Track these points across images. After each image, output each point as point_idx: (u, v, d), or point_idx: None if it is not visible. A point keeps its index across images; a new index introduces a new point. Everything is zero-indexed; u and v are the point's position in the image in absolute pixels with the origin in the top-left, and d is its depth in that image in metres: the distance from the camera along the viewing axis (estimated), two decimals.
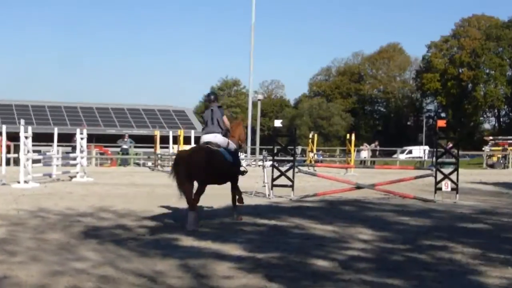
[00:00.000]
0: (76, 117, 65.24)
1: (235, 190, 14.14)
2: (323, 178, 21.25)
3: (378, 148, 63.11)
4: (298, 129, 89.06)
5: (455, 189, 18.85)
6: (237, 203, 13.98)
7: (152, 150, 44.17)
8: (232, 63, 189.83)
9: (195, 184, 13.33)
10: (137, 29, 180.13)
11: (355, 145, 43.52)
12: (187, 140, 34.02)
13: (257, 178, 22.70)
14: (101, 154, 49.12)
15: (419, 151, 74.28)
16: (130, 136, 48.81)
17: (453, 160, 20.44)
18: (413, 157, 73.21)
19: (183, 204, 16.22)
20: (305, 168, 21.86)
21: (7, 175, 22.80)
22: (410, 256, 9.33)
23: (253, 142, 62.46)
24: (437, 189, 18.94)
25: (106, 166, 45.41)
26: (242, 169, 14.91)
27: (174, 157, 14.70)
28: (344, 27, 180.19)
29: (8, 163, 30.35)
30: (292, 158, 19.96)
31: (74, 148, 30.29)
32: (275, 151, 20.46)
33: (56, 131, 27.33)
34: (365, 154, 56.67)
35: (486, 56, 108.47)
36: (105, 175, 29.50)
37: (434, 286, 7.39)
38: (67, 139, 44.90)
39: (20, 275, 7.70)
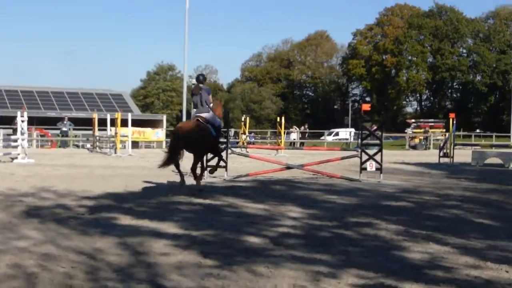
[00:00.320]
0: (16, 100, 64.33)
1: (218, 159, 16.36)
2: (255, 159, 21.29)
3: (307, 130, 63.52)
4: (231, 112, 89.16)
5: (379, 169, 19.05)
6: (207, 169, 16.36)
7: (90, 132, 43.78)
8: (167, 49, 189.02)
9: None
10: (74, 14, 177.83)
11: (285, 128, 43.71)
12: (124, 123, 33.79)
13: (191, 159, 22.63)
14: (42, 136, 48.51)
15: (346, 133, 74.91)
16: (70, 119, 48.30)
17: (377, 141, 20.63)
18: (340, 139, 73.72)
19: (120, 183, 16.18)
20: (238, 150, 21.86)
21: None
22: (337, 233, 9.40)
23: None
24: (362, 169, 19.11)
25: (47, 148, 44.90)
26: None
27: (174, 130, 16.28)
28: (274, 15, 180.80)
29: None
30: (225, 140, 19.94)
31: (15, 131, 29.84)
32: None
33: None
34: (294, 136, 57.09)
35: (408, 43, 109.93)
36: (46, 157, 29.11)
37: (360, 261, 7.46)
38: (8, 121, 44.27)
39: None
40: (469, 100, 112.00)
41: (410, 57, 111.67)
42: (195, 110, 15.75)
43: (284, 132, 42.80)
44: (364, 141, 20.70)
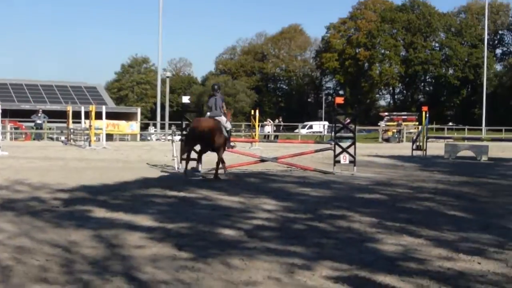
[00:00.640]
0: None
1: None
2: (230, 151, 21.28)
3: (281, 123, 63.50)
4: (206, 105, 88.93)
5: (353, 162, 19.13)
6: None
7: (65, 125, 43.51)
8: (141, 41, 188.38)
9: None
10: (47, 5, 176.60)
11: (259, 121, 43.66)
12: (98, 115, 33.65)
13: (166, 152, 22.65)
14: (16, 128, 48.11)
15: (319, 126, 74.97)
16: (44, 111, 47.96)
17: (350, 134, 20.69)
18: (314, 132, 73.79)
19: (95, 176, 16.11)
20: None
21: None
22: (311, 225, 9.42)
23: (162, 118, 62.14)
24: (336, 162, 19.17)
25: (21, 140, 44.51)
26: (232, 144, 19.12)
27: (192, 126, 17.63)
28: (249, 8, 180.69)
29: None
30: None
31: None
32: (184, 126, 20.37)
33: None
34: (268, 129, 57.04)
35: (381, 37, 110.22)
36: (20, 149, 28.91)
37: (334, 253, 7.48)
38: None
39: None
40: (441, 94, 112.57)
41: (383, 51, 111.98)
42: (209, 113, 17.52)
43: (258, 125, 42.79)
44: (338, 134, 20.78)
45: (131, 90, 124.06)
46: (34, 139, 43.97)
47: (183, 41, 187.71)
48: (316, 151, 20.68)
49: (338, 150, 19.25)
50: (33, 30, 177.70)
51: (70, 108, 41.05)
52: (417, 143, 30.14)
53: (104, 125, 35.13)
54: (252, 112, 41.51)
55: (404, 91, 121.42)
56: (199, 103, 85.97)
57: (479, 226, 9.52)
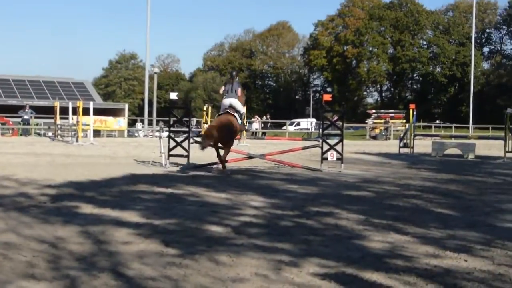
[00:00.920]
0: None
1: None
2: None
3: (268, 120, 63.57)
4: (193, 101, 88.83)
5: (340, 159, 19.15)
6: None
7: (52, 120, 43.43)
8: (129, 37, 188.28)
9: None
10: (36, 1, 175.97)
11: (247, 118, 43.68)
12: (86, 111, 33.60)
13: (154, 148, 22.62)
14: (3, 124, 47.94)
15: (307, 123, 75.02)
16: (31, 107, 47.89)
17: (338, 132, 20.71)
18: (301, 129, 73.90)
19: (82, 172, 16.08)
20: (200, 139, 21.82)
21: None
22: (299, 222, 9.42)
23: (150, 114, 62.09)
24: (323, 159, 19.19)
25: (8, 136, 44.38)
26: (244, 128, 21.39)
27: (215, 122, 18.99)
28: (237, 5, 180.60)
29: None
30: (187, 129, 19.90)
31: None
32: (171, 122, 20.37)
33: None
34: (256, 125, 57.08)
35: (369, 34, 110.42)
36: (7, 145, 28.85)
37: (321, 250, 7.48)
38: None
39: None
40: (429, 91, 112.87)
41: (371, 48, 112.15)
42: (225, 96, 18.69)
43: (246, 122, 42.79)
44: (325, 131, 20.79)
45: (118, 86, 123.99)
46: (21, 135, 43.89)
47: (171, 37, 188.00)
48: (304, 148, 20.72)
49: (325, 147, 19.26)
50: (20, 25, 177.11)
51: (57, 104, 40.99)
52: (404, 141, 30.22)
53: (92, 121, 35.12)
54: None
55: (392, 89, 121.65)
56: (186, 99, 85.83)
57: (466, 223, 9.55)
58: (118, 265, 6.59)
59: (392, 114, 66.83)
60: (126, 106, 68.86)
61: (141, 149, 27.79)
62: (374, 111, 75.25)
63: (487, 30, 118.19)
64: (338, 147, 19.24)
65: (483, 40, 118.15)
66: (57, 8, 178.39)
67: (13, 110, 50.03)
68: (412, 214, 10.35)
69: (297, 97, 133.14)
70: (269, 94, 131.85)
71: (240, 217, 9.75)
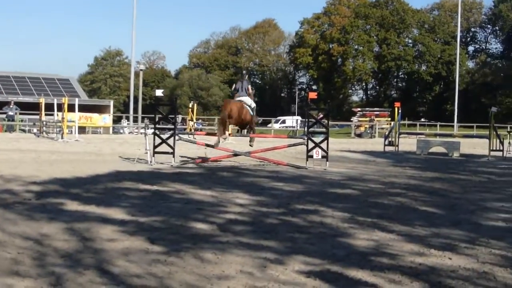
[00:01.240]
0: None
1: (252, 131, 21.73)
2: (203, 145, 21.27)
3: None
4: (179, 98, 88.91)
5: (325, 157, 19.17)
6: (250, 139, 21.60)
7: (37, 117, 43.30)
8: (115, 34, 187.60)
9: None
10: None
11: None
12: (71, 108, 33.50)
13: (139, 145, 22.57)
14: None
15: (292, 121, 75.00)
16: (16, 103, 47.65)
17: (323, 129, 20.76)
18: (287, 127, 73.96)
19: (67, 169, 16.03)
20: (185, 136, 21.79)
21: None
22: (284, 219, 9.43)
23: (135, 111, 62.00)
24: (309, 156, 19.21)
25: None
26: (256, 119, 22.96)
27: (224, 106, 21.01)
28: (223, 2, 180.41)
29: None
30: (173, 126, 19.88)
31: None
32: (157, 119, 20.32)
33: None
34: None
35: (355, 33, 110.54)
36: None
37: (306, 247, 7.49)
38: None
39: None
40: (414, 90, 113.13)
41: (356, 47, 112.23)
42: (236, 93, 20.72)
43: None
44: (311, 129, 20.83)
45: (104, 83, 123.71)
46: (6, 131, 43.67)
47: (156, 34, 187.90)
48: (289, 145, 20.74)
49: (311, 145, 19.29)
50: (5, 21, 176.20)
51: (42, 100, 40.86)
52: (389, 139, 30.29)
53: (77, 117, 35.02)
54: None
55: (377, 87, 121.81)
56: (172, 96, 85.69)
57: (450, 221, 9.58)
58: (103, 262, 6.58)
59: (377, 112, 67.05)
60: (112, 103, 68.75)
61: (126, 146, 27.73)
62: (359, 109, 75.31)
63: (472, 29, 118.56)
64: (323, 145, 19.27)
65: (468, 39, 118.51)
66: (42, 4, 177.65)
67: None
68: (397, 212, 10.38)
69: (282, 94, 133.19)
70: (255, 91, 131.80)
71: (226, 214, 9.75)
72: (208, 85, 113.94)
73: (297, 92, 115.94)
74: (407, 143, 32.52)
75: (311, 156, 19.19)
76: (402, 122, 41.57)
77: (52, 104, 37.16)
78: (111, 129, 51.19)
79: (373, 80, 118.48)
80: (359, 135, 56.17)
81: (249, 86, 21.13)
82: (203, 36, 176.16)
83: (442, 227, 9.08)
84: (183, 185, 13.54)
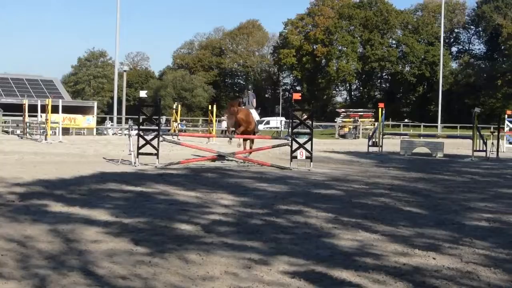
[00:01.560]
0: None
1: (251, 142, 22.51)
2: (187, 146, 21.27)
3: None
4: (163, 99, 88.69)
5: (309, 158, 19.22)
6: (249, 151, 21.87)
7: (20, 118, 43.12)
8: (99, 35, 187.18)
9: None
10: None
11: (217, 116, 43.64)
12: (55, 109, 33.41)
13: (123, 146, 22.52)
14: None
15: (276, 122, 74.98)
16: None
17: (307, 130, 20.79)
18: (271, 128, 73.90)
19: (51, 170, 15.97)
20: (169, 137, 21.78)
21: None
22: (268, 220, 9.44)
23: (119, 112, 61.84)
24: (293, 157, 19.25)
25: None
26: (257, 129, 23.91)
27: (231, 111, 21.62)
28: (207, 3, 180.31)
29: None
30: (157, 128, 19.86)
31: None
32: (141, 120, 20.31)
33: None
34: (226, 124, 56.97)
35: (338, 33, 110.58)
36: None
37: (290, 248, 7.51)
38: None
39: None
40: (398, 90, 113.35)
41: (340, 47, 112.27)
42: (243, 106, 22.17)
43: (216, 120, 42.78)
44: (295, 130, 20.86)
45: (88, 84, 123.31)
46: None
47: (140, 35, 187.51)
48: (273, 146, 20.77)
49: (295, 145, 19.33)
50: None
51: (26, 102, 40.70)
52: (373, 140, 30.37)
53: (61, 119, 34.91)
54: (210, 107, 41.50)
55: (361, 88, 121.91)
56: (156, 97, 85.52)
57: (434, 222, 9.63)
58: (87, 263, 6.57)
59: (361, 113, 67.06)
60: (95, 104, 68.64)
61: (110, 147, 27.68)
62: (343, 110, 75.32)
63: (456, 30, 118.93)
64: (308, 146, 19.30)
65: (452, 40, 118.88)
66: (26, 4, 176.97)
67: None
68: (381, 213, 10.41)
69: (266, 95, 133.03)
70: (238, 92, 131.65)
71: (210, 215, 9.75)
72: (192, 86, 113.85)
73: (281, 93, 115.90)
74: (391, 144, 32.65)
75: (295, 157, 19.23)
76: (386, 122, 41.75)
77: (36, 105, 37.04)
78: (95, 130, 51.10)
79: (357, 81, 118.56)
80: (343, 136, 56.25)
81: (254, 100, 23.03)
82: (187, 37, 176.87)
83: (426, 227, 9.12)
84: (167, 186, 13.54)
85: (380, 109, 31.08)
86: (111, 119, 63.15)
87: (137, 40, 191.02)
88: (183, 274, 6.31)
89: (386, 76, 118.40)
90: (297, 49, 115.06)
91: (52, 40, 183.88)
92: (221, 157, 20.67)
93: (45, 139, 31.35)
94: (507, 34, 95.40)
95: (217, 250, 7.27)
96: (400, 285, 6.09)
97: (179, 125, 48.24)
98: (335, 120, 65.96)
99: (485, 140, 26.50)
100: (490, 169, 21.20)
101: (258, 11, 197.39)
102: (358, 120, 61.03)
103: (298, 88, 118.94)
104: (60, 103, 34.72)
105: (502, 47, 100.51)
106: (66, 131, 41.84)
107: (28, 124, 38.99)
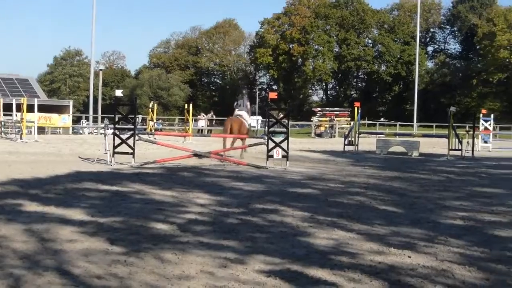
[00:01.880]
0: None
1: (243, 142, 22.83)
2: (163, 145, 21.21)
3: (214, 117, 63.48)
4: (139, 98, 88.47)
5: (286, 157, 19.23)
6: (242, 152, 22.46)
7: None
8: (74, 34, 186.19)
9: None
10: None
11: (193, 115, 43.58)
12: (30, 108, 33.23)
13: (99, 145, 22.43)
14: None
15: (253, 121, 75.06)
16: None
17: (283, 129, 20.82)
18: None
19: (26, 169, 15.88)
20: (145, 136, 21.74)
21: None
22: (244, 219, 9.45)
23: (95, 111, 61.64)
24: (269, 156, 19.26)
25: None
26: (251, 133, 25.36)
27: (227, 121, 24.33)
28: (182, 1, 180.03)
29: None
30: (132, 127, 19.81)
31: None
32: (116, 119, 20.23)
33: None
34: (202, 123, 56.98)
35: (315, 33, 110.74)
36: None
37: (266, 247, 7.52)
38: None
39: None
40: (374, 90, 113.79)
41: (316, 47, 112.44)
42: (237, 109, 24.24)
43: (192, 119, 42.71)
44: (271, 129, 20.88)
45: (63, 83, 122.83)
46: None
47: (116, 34, 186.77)
48: (250, 145, 20.77)
49: (271, 144, 19.34)
50: None
51: (1, 100, 40.42)
52: (349, 139, 30.43)
53: (36, 118, 34.71)
54: (186, 106, 41.40)
55: (337, 87, 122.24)
56: (132, 96, 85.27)
57: (409, 220, 9.67)
58: (63, 263, 6.55)
59: (337, 112, 67.33)
60: (71, 103, 68.37)
61: (86, 146, 27.55)
62: (319, 109, 75.55)
63: (431, 30, 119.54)
64: (284, 145, 19.32)
65: (428, 39, 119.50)
66: (0, 2, 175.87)
67: None
68: (357, 211, 10.45)
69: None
70: (215, 91, 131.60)
71: (186, 214, 9.75)
72: (168, 85, 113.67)
73: (257, 92, 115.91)
74: (367, 143, 32.73)
75: (272, 156, 19.24)
76: (362, 122, 41.85)
77: (11, 104, 36.83)
78: (70, 129, 50.85)
79: (333, 80, 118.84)
80: (319, 135, 56.44)
81: (248, 103, 24.78)
82: (163, 36, 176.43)
83: (401, 225, 9.17)
84: (143, 185, 13.50)
85: (356, 108, 31.15)
86: (87, 118, 62.98)
87: (113, 39, 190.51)
88: (158, 273, 6.30)
89: (362, 76, 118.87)
90: (273, 48, 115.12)
91: (28, 39, 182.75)
92: (197, 155, 20.63)
93: (20, 138, 31.17)
94: (482, 34, 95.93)
95: (192, 249, 7.27)
96: (375, 284, 6.11)
97: (155, 124, 48.18)
98: (311, 119, 66.09)
99: (460, 139, 26.64)
100: (466, 168, 21.31)
101: (234, 10, 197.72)
102: (334, 119, 61.25)
103: (274, 87, 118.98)
104: (36, 102, 34.50)
105: (477, 47, 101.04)
106: (41, 130, 41.64)
107: (3, 123, 38.74)
